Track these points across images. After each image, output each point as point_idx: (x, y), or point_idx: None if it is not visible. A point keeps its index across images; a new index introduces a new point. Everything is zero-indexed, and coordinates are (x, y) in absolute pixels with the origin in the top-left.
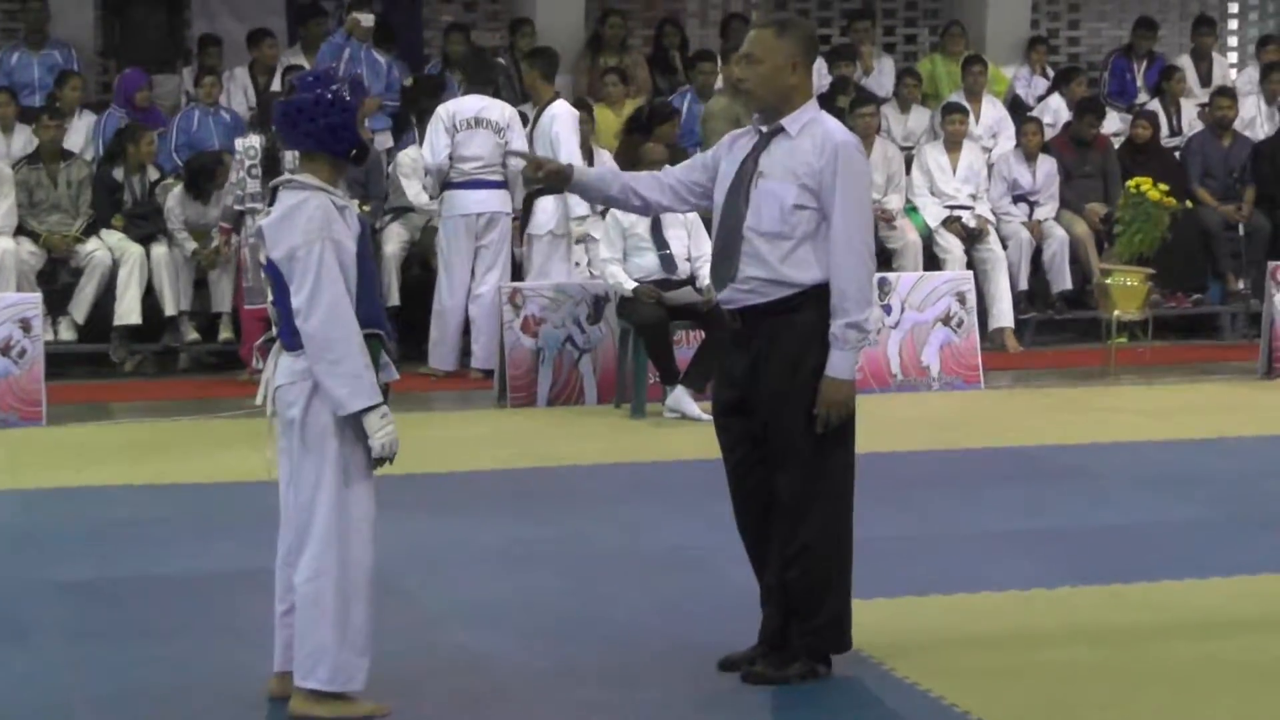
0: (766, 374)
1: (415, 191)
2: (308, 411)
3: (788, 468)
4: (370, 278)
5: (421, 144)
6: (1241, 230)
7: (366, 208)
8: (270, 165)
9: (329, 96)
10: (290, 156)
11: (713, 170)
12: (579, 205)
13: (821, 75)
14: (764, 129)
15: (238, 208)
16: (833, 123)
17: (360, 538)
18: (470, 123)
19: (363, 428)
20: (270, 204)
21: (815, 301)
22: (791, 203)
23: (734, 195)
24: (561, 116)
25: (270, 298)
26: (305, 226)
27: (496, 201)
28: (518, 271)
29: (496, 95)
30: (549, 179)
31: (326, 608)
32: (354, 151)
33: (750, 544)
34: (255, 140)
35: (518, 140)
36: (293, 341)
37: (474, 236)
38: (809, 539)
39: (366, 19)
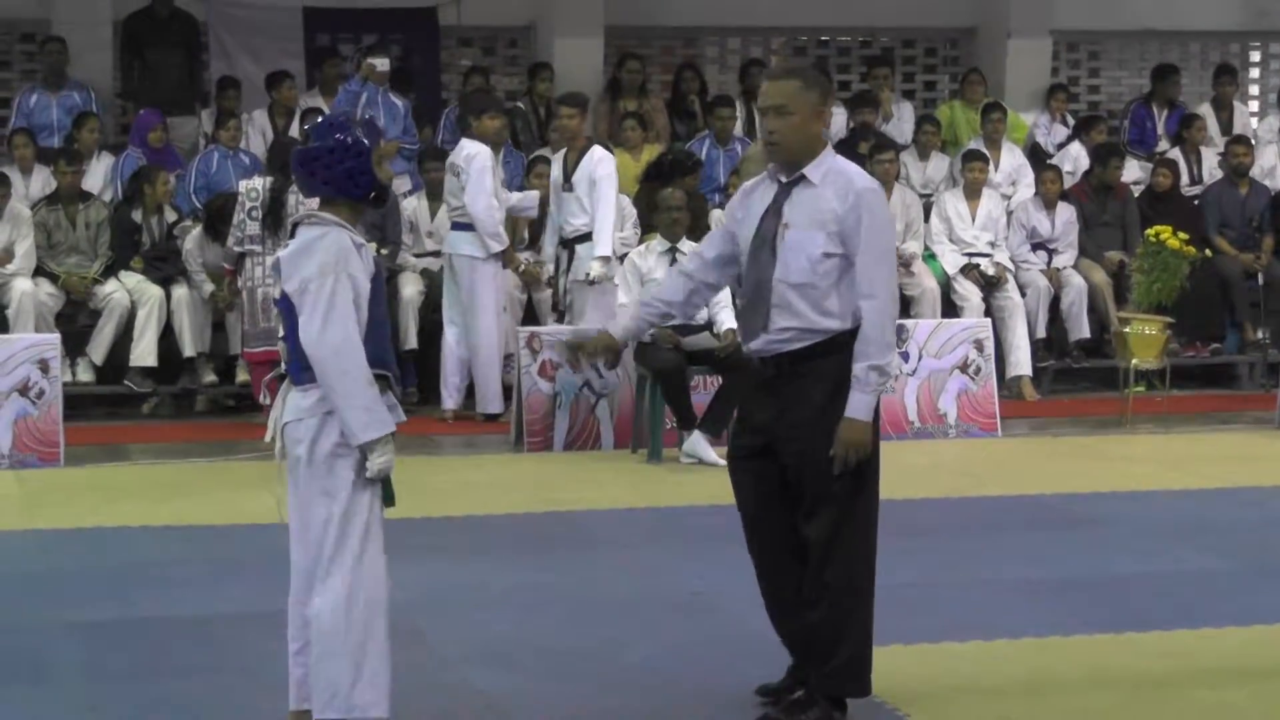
0: (798, 418)
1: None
2: (315, 446)
3: (818, 510)
4: (381, 319)
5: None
6: (1260, 279)
7: (384, 251)
8: (274, 208)
9: (346, 141)
10: (294, 200)
11: (734, 234)
12: (602, 246)
13: (843, 122)
14: (783, 179)
15: (237, 249)
16: (853, 168)
17: (373, 569)
18: (448, 167)
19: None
20: (289, 238)
21: (843, 347)
22: (820, 252)
23: (760, 248)
24: (605, 160)
25: (281, 334)
26: (321, 259)
27: (461, 244)
28: (532, 316)
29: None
30: (605, 356)
31: (342, 639)
32: (372, 195)
33: (769, 589)
34: (258, 183)
35: (474, 179)
36: (301, 377)
37: (454, 278)
38: (831, 579)
39: (382, 64)
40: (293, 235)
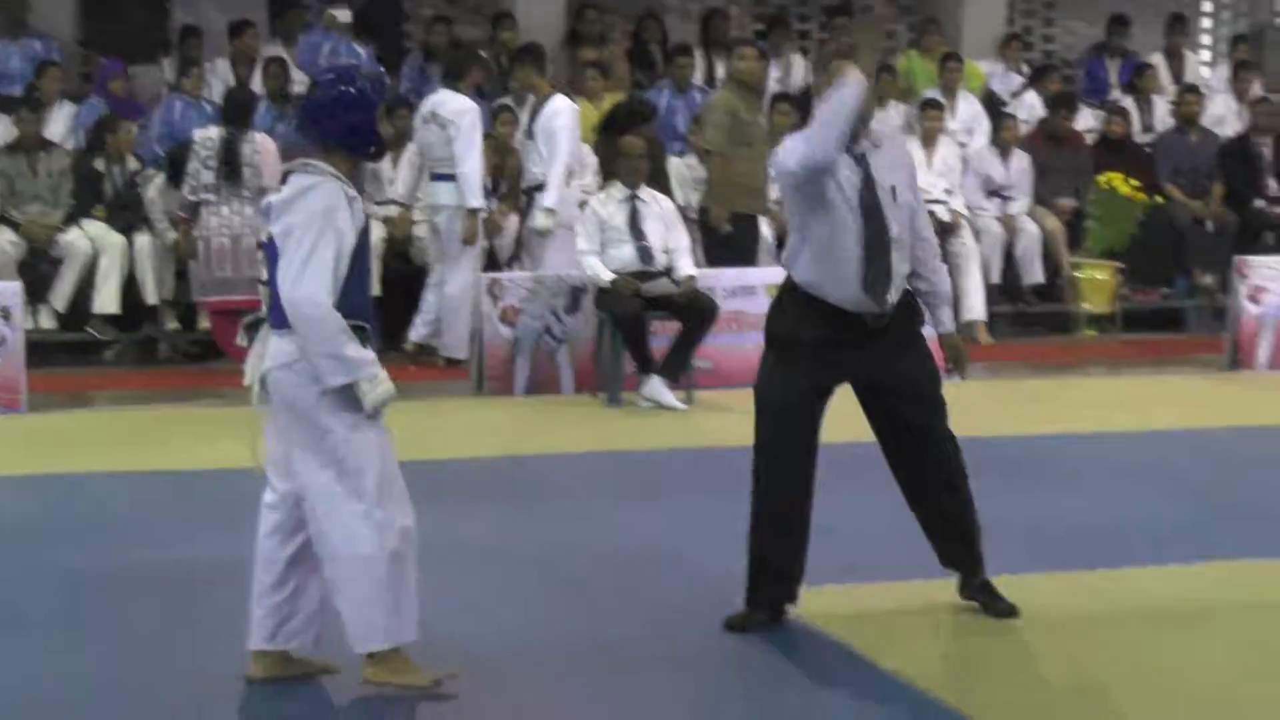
0: (907, 338)
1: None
2: (305, 391)
3: (932, 408)
4: (363, 272)
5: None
6: (1210, 225)
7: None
8: (228, 158)
9: (353, 94)
10: (249, 150)
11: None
12: (548, 198)
13: (804, 72)
14: (859, 149)
15: (191, 198)
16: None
17: (388, 497)
18: (426, 117)
19: (349, 399)
20: (281, 184)
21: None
22: (914, 207)
23: (871, 211)
24: (563, 112)
25: (264, 277)
26: (310, 208)
27: (442, 195)
28: (493, 263)
29: (457, 89)
30: None
31: (366, 572)
32: (374, 149)
33: (802, 485)
34: (213, 132)
35: (464, 135)
36: (284, 322)
37: (434, 227)
38: (959, 467)
39: (343, 14)
40: (284, 181)
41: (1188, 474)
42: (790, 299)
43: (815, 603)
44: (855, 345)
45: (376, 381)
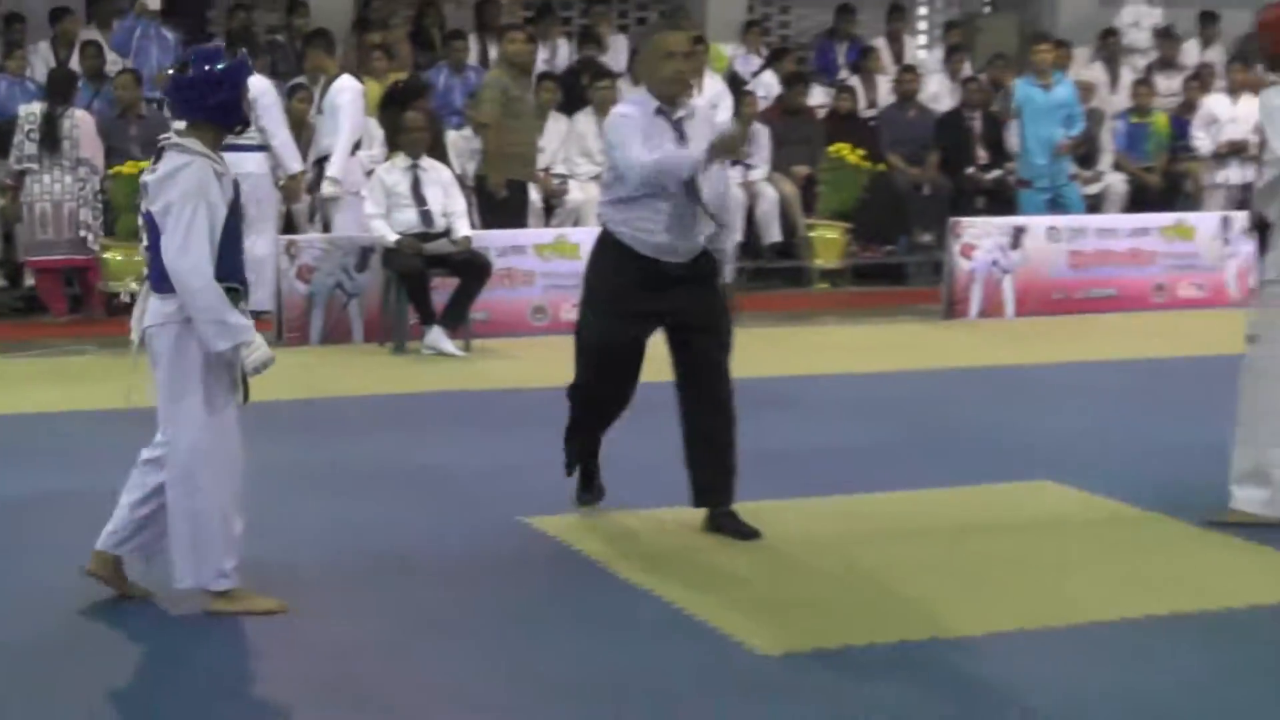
0: (707, 285)
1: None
2: (176, 349)
3: (721, 345)
4: (235, 237)
5: None
6: (927, 190)
7: None
8: (49, 131)
9: (219, 72)
10: (68, 124)
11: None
12: (332, 168)
13: (568, 53)
14: (670, 113)
15: (17, 167)
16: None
17: (228, 456)
18: None
19: (224, 362)
20: (155, 162)
21: None
22: (722, 171)
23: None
24: (347, 90)
25: (144, 243)
26: (184, 186)
27: (249, 164)
28: (290, 225)
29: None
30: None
31: (202, 520)
32: (239, 123)
33: (610, 411)
34: (36, 108)
35: (269, 111)
36: (162, 286)
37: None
38: (727, 394)
39: (153, 0)
40: (157, 158)
41: (909, 409)
42: (606, 248)
43: (576, 526)
44: (663, 289)
45: (254, 346)
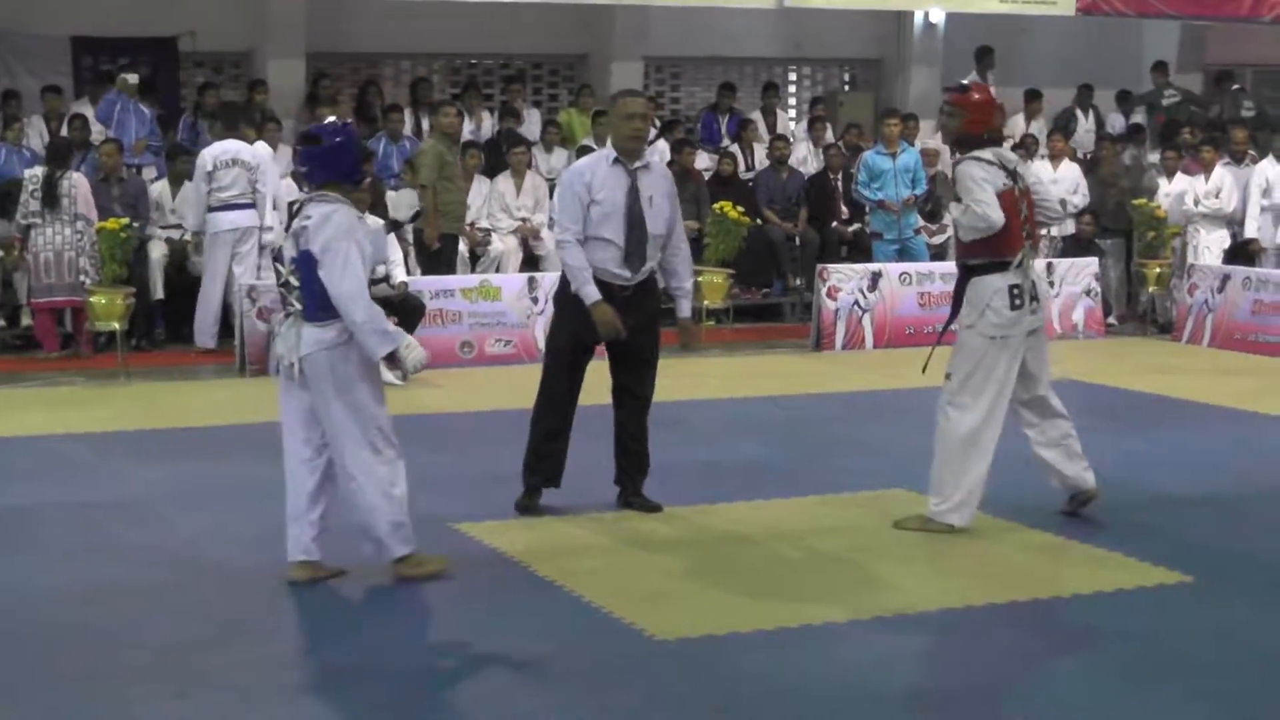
0: (647, 310)
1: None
2: (334, 369)
3: (651, 357)
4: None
5: None
6: (798, 241)
7: (135, 224)
8: (49, 190)
9: (341, 143)
10: (66, 185)
11: (588, 201)
12: (269, 218)
13: (490, 125)
14: (629, 165)
15: (24, 222)
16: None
17: (385, 447)
18: (228, 162)
19: (375, 375)
20: (297, 214)
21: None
22: (668, 214)
23: (635, 212)
24: (266, 158)
25: (297, 283)
26: (337, 228)
27: (245, 220)
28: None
29: (246, 137)
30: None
31: (377, 498)
32: (359, 180)
33: (565, 416)
34: (38, 171)
35: (267, 175)
36: (318, 315)
37: (230, 245)
38: (646, 417)
39: (132, 77)
40: (294, 210)
41: (784, 429)
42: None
43: (500, 531)
44: (614, 307)
45: (411, 347)
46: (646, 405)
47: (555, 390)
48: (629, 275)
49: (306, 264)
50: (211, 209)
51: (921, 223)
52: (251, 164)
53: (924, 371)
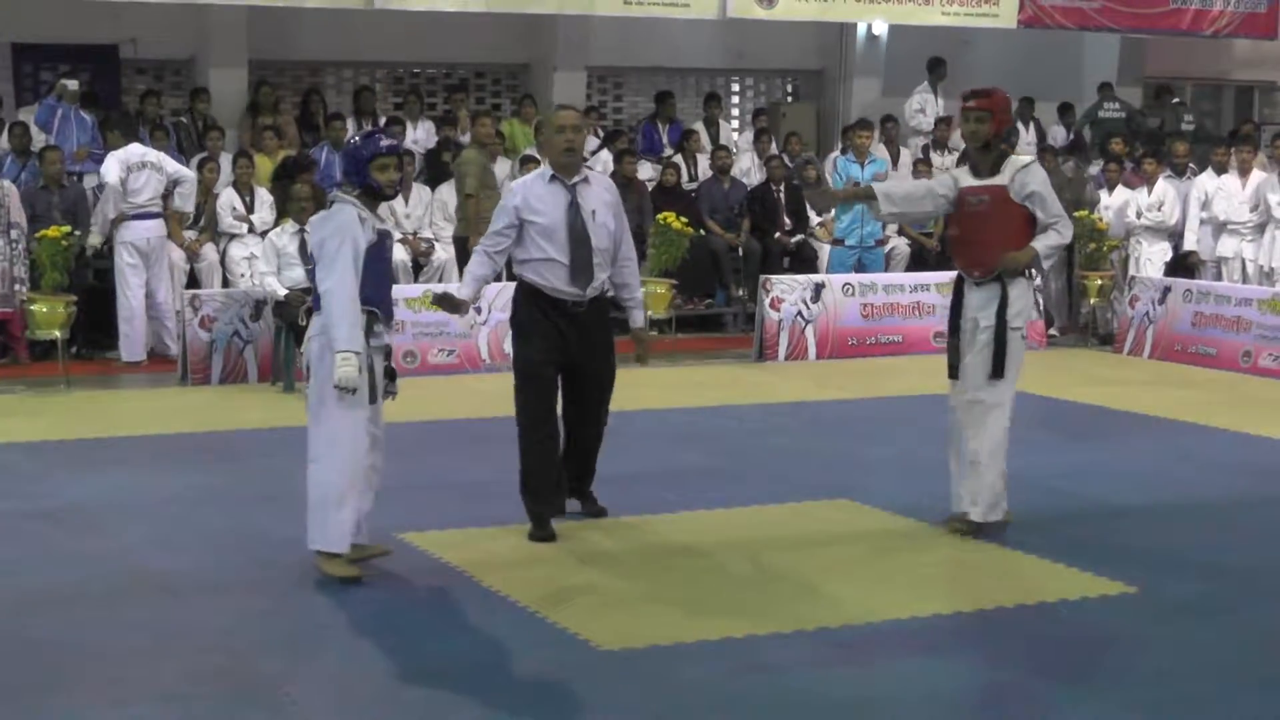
0: (600, 336)
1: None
2: (321, 357)
3: (606, 387)
4: (379, 272)
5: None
6: (740, 251)
7: (77, 232)
8: None
9: (349, 150)
10: (16, 207)
11: (515, 224)
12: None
13: (430, 134)
14: (567, 180)
15: None
16: (601, 171)
17: (356, 444)
18: (136, 165)
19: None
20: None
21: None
22: (613, 228)
23: (577, 227)
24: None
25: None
26: (332, 225)
27: (158, 228)
28: (195, 281)
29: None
30: (462, 310)
31: (327, 491)
32: (363, 180)
33: (550, 433)
34: None
35: (187, 184)
36: (318, 305)
37: (144, 255)
38: (602, 421)
39: (72, 84)
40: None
41: (727, 438)
42: (522, 294)
43: (447, 541)
44: (562, 326)
45: (349, 362)
46: (599, 431)
47: (534, 411)
48: (579, 292)
49: (312, 258)
50: (109, 217)
51: (884, 232)
52: (159, 165)
53: (953, 376)
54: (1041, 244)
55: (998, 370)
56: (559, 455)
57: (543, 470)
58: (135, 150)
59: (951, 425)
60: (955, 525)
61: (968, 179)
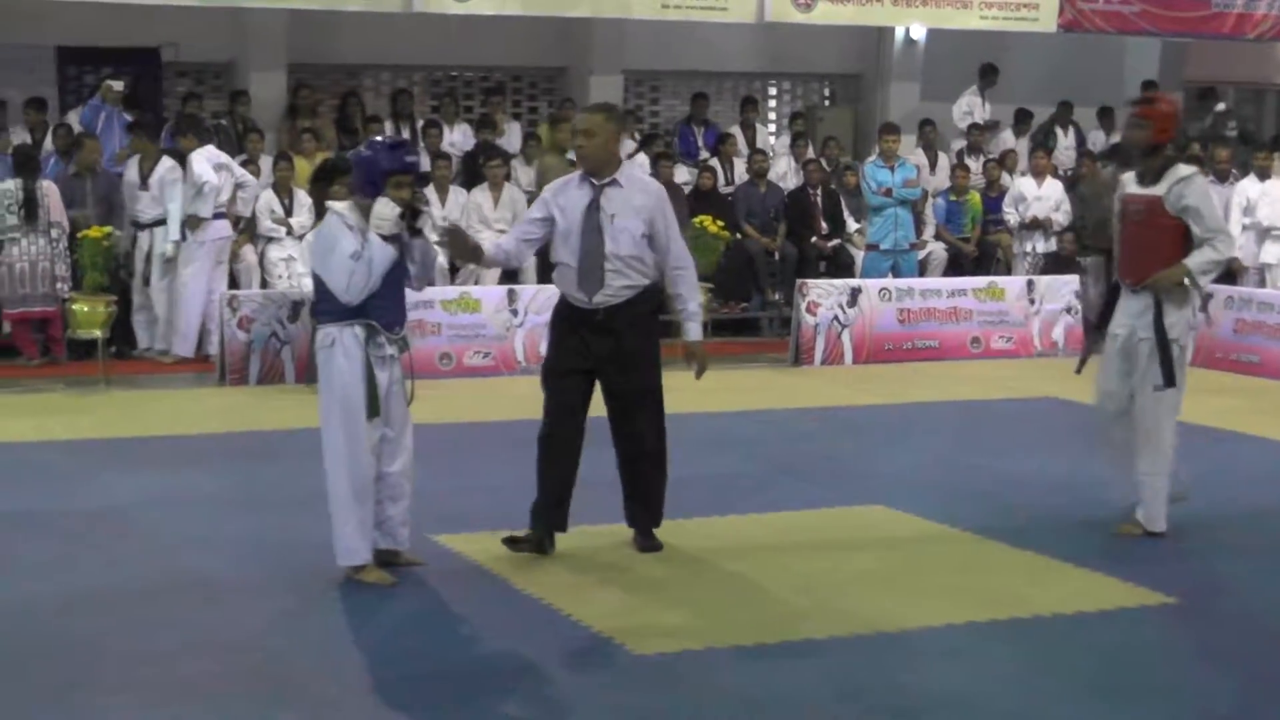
0: (632, 345)
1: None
2: (322, 368)
3: (638, 402)
4: (393, 284)
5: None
6: (777, 256)
7: (118, 232)
8: (29, 204)
9: (359, 158)
10: (40, 194)
11: (549, 218)
12: (174, 233)
13: (467, 137)
14: (595, 182)
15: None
16: (644, 174)
17: (355, 457)
18: (219, 166)
19: (358, 378)
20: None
21: (650, 296)
22: (641, 233)
23: (590, 230)
24: (173, 169)
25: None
26: (318, 238)
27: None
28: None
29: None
30: (470, 256)
31: (331, 505)
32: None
33: (564, 442)
34: (11, 184)
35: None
36: (320, 317)
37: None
38: (652, 448)
39: (117, 85)
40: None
41: (763, 443)
42: (558, 299)
43: (479, 544)
44: (585, 334)
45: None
46: (641, 449)
47: (551, 418)
48: (584, 298)
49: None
50: (204, 217)
51: (918, 238)
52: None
53: (1078, 372)
54: (1195, 260)
55: (1169, 379)
56: (572, 470)
57: (546, 479)
58: (215, 153)
59: (1099, 419)
60: (1127, 528)
61: (1131, 186)
